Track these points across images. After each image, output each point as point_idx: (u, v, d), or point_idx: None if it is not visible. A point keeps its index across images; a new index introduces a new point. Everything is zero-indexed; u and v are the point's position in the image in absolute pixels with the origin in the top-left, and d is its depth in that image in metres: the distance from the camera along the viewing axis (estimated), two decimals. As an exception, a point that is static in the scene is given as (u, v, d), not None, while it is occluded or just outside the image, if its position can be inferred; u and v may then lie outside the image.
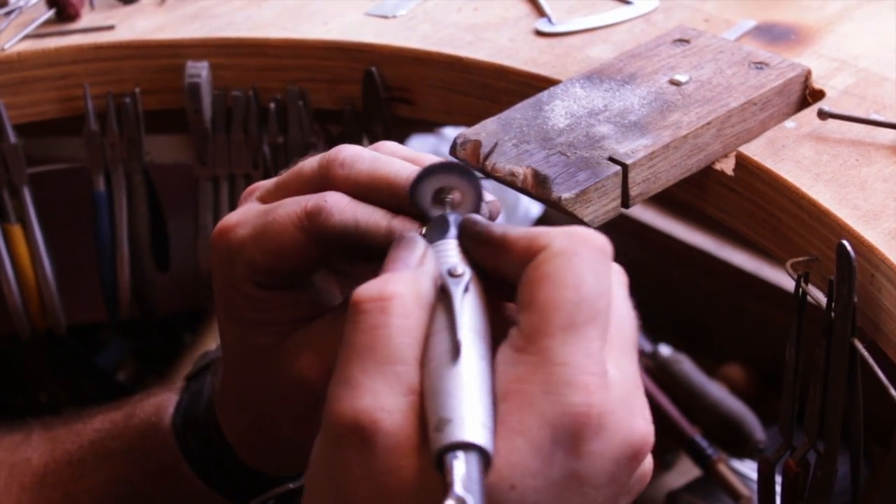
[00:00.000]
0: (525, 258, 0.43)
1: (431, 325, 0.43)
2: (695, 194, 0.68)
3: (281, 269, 0.52)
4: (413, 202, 0.49)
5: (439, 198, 0.49)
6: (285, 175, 0.54)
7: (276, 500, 0.62)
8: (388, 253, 0.46)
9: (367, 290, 0.43)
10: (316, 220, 0.50)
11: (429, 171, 0.49)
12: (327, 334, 0.52)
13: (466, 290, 0.44)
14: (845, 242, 0.56)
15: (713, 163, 0.66)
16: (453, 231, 0.48)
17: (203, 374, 0.63)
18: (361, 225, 0.50)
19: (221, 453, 0.60)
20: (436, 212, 0.49)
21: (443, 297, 0.44)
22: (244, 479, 0.61)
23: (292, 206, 0.51)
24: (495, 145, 0.62)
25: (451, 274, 0.45)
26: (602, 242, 0.43)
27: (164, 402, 0.63)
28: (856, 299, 0.57)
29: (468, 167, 0.53)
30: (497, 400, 0.41)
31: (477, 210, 0.49)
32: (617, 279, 0.44)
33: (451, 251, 0.47)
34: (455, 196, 0.49)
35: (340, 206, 0.50)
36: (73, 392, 1.13)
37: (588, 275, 0.42)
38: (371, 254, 0.50)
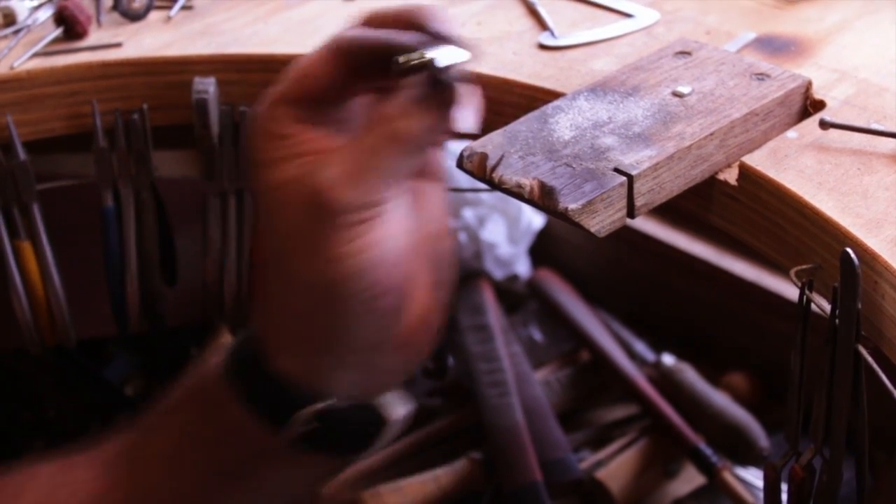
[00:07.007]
0: None
1: None
2: (699, 204, 0.69)
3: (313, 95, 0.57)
4: None
5: None
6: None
7: (318, 417, 0.60)
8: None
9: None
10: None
11: None
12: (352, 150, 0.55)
13: None
14: (849, 250, 0.57)
15: (717, 173, 0.66)
16: None
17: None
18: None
19: (265, 376, 0.60)
20: None
21: None
22: (290, 402, 0.60)
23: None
24: (501, 158, 0.63)
25: None
26: None
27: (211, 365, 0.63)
28: (860, 306, 0.58)
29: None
30: None
31: None
32: None
33: None
34: None
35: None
36: (81, 407, 1.13)
37: None
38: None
